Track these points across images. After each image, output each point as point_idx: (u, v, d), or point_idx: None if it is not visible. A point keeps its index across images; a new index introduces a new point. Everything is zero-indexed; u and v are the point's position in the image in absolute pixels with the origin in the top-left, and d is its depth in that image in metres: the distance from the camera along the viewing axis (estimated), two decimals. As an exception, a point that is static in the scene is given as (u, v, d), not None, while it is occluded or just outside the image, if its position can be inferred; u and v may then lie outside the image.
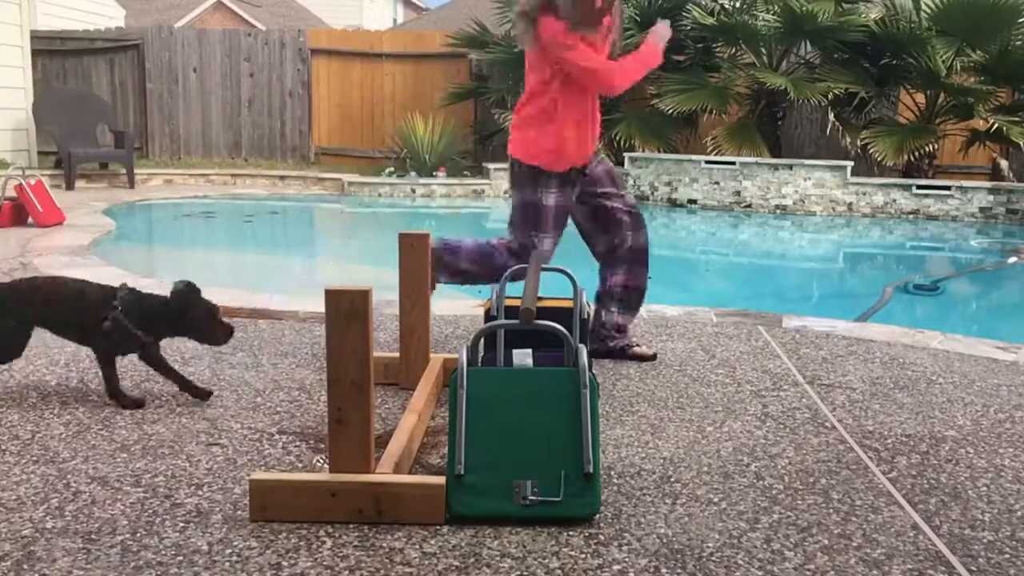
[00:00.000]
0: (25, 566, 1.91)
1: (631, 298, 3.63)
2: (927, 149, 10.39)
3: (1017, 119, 10.21)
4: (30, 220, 7.31)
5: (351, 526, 2.12)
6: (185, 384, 3.00)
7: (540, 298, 2.96)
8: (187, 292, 2.94)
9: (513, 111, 3.53)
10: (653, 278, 3.70)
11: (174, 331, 3.01)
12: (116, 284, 3.02)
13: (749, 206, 10.55)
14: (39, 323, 3.03)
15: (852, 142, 10.67)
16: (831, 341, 4.01)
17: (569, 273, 3.00)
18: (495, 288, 3.01)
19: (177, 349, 3.60)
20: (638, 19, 11.82)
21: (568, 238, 3.56)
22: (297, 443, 2.65)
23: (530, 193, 3.39)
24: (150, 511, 2.18)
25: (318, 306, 4.16)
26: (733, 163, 10.55)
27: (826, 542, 2.10)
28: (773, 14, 10.93)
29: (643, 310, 4.52)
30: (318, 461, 2.51)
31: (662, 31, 3.45)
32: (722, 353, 3.76)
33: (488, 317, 3.06)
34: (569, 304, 2.98)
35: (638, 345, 3.69)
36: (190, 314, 2.95)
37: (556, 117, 3.33)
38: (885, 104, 11.63)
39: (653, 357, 3.64)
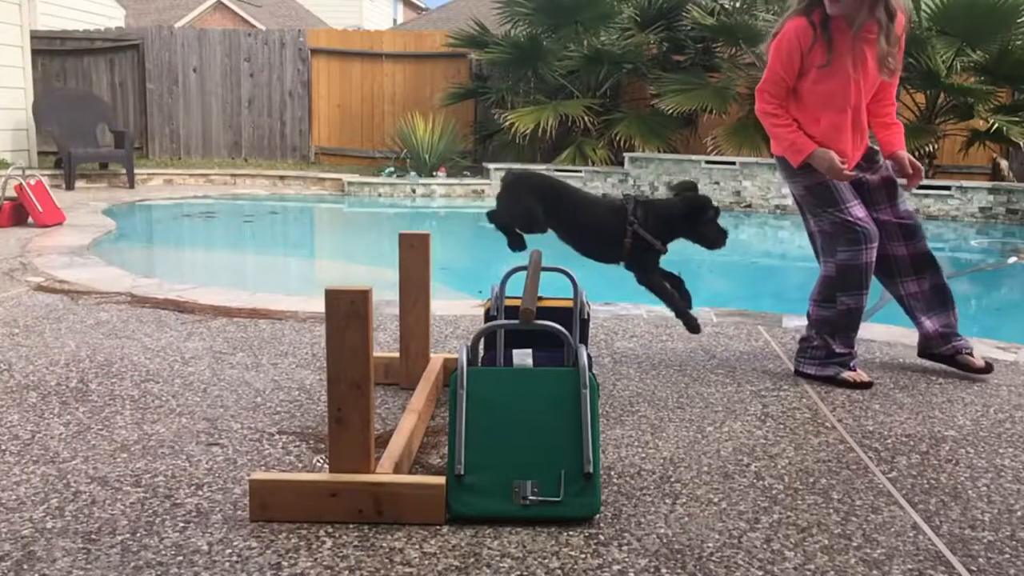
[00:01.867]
0: (25, 566, 1.91)
1: (932, 299, 3.45)
2: (927, 149, 10.38)
3: (1017, 119, 10.21)
4: (30, 220, 7.31)
5: (351, 526, 2.12)
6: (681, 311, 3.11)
7: (540, 298, 2.96)
8: (701, 196, 3.03)
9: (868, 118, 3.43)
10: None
11: (683, 234, 3.10)
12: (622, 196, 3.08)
13: (749, 206, 10.55)
14: (552, 214, 3.12)
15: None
16: (831, 341, 4.00)
17: (569, 273, 3.00)
18: (495, 288, 3.02)
19: (177, 349, 3.61)
20: (638, 19, 11.83)
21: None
22: (297, 443, 2.65)
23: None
24: (150, 511, 2.18)
25: (318, 306, 4.16)
26: (733, 163, 10.55)
27: (826, 542, 2.10)
28: (773, 13, 10.92)
29: (643, 310, 4.52)
30: (318, 461, 2.51)
31: (901, 171, 3.38)
32: (722, 353, 3.76)
33: (488, 317, 3.06)
34: (569, 304, 2.99)
35: (969, 353, 3.43)
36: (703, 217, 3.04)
37: None
38: (885, 104, 11.62)
39: (986, 369, 3.41)
